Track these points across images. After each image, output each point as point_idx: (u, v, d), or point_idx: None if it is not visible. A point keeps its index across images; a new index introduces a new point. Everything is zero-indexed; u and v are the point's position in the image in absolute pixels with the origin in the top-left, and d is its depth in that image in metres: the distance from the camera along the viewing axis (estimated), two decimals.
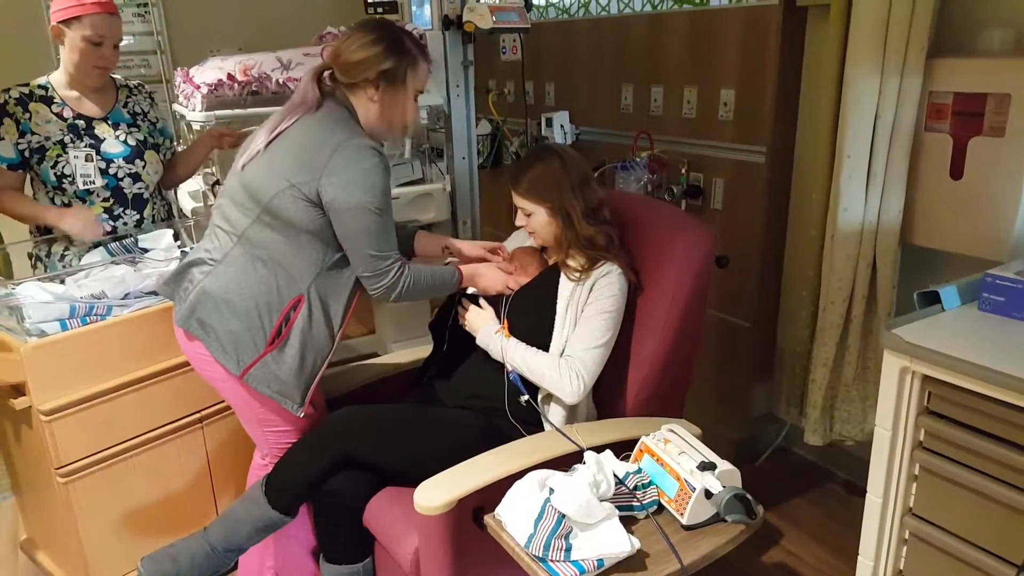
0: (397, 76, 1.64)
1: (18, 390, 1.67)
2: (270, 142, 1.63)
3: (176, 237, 2.10)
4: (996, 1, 1.82)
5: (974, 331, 1.43)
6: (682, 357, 1.76)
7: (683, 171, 2.62)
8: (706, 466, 1.38)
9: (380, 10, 3.00)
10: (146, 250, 1.99)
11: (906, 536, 1.52)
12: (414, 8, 2.76)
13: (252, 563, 1.86)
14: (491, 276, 1.81)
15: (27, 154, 1.97)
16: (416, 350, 2.15)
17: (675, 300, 1.70)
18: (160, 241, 2.00)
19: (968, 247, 1.87)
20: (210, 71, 2.32)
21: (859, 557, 1.58)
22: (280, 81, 2.33)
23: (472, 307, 1.80)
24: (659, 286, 1.73)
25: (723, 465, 1.40)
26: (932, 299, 1.54)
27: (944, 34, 1.88)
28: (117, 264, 1.91)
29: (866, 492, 1.55)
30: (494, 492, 1.42)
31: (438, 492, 1.43)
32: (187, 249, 1.94)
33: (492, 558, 1.41)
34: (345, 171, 1.54)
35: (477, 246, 1.94)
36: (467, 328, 1.79)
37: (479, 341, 1.76)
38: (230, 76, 2.29)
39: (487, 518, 1.39)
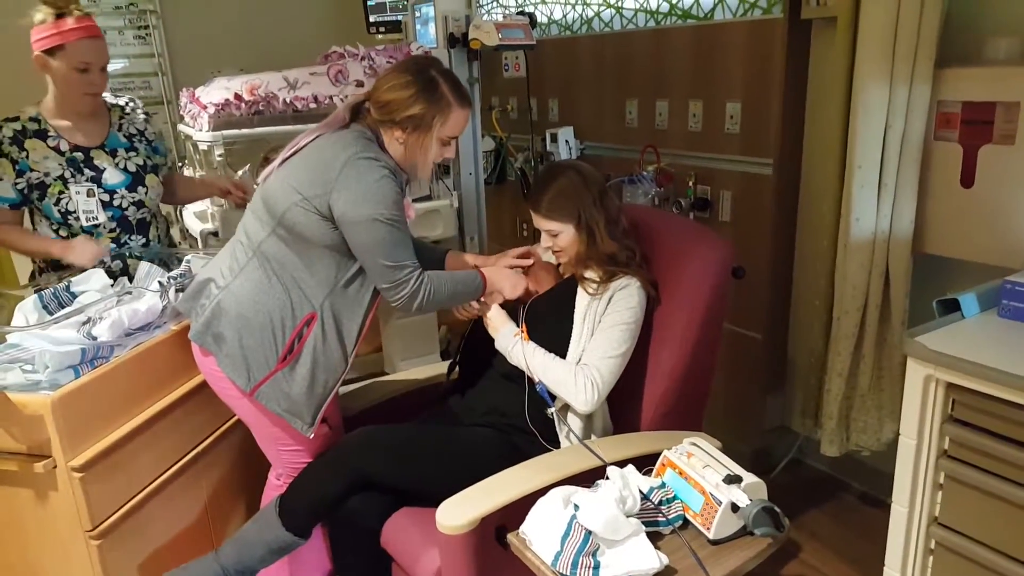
0: (423, 122, 1.61)
1: (27, 453, 1.53)
2: (288, 157, 1.64)
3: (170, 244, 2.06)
4: (1002, 10, 1.84)
5: (996, 337, 1.42)
6: (700, 370, 1.75)
7: (690, 184, 2.63)
8: (732, 479, 1.37)
9: (382, 30, 3.02)
10: (76, 294, 1.83)
11: (932, 546, 1.50)
12: (418, 27, 2.77)
13: None
14: (515, 281, 1.79)
15: (26, 191, 1.93)
16: (428, 367, 2.14)
17: (693, 313, 1.69)
18: (92, 281, 1.85)
19: (980, 255, 1.88)
20: (216, 91, 2.33)
21: (885, 568, 1.57)
22: (287, 100, 2.34)
23: (495, 307, 1.77)
24: (677, 299, 1.72)
25: (748, 478, 1.38)
26: (951, 307, 1.54)
27: (951, 43, 1.89)
28: (54, 316, 1.74)
29: (882, 502, 1.54)
30: (516, 510, 1.40)
31: (461, 511, 1.41)
32: (163, 280, 1.80)
33: None
34: (356, 185, 1.54)
35: (506, 258, 1.90)
36: (488, 327, 1.77)
37: (498, 344, 1.74)
38: (237, 96, 2.29)
39: (511, 536, 1.37)
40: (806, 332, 2.33)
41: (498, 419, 1.75)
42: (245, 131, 2.34)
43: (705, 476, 1.39)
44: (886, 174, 1.96)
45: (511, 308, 1.79)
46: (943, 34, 1.86)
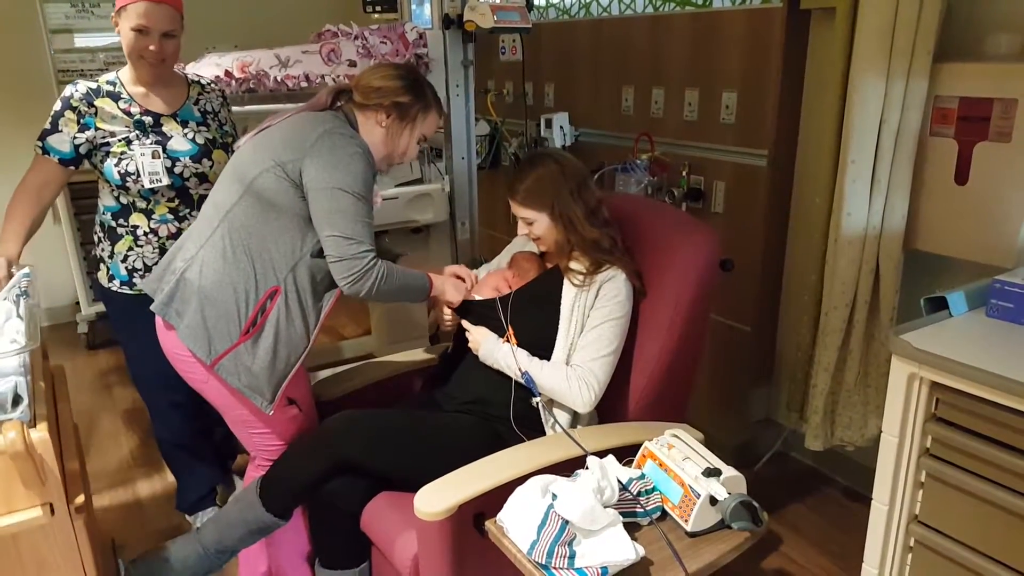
0: (408, 113, 1.71)
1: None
2: (264, 128, 1.67)
3: None
4: (1003, 5, 1.81)
5: (982, 337, 1.42)
6: (685, 362, 1.74)
7: (684, 174, 2.61)
8: (711, 472, 1.36)
9: (378, 9, 2.98)
10: None
11: (911, 544, 1.50)
12: (413, 7, 2.74)
13: (246, 568, 1.84)
14: (451, 285, 1.79)
15: (83, 150, 1.88)
16: (414, 352, 2.13)
17: (679, 304, 1.68)
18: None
19: (973, 253, 1.86)
20: (207, 67, 2.29)
21: (864, 565, 1.57)
22: (278, 78, 2.30)
23: (473, 327, 1.77)
24: (663, 290, 1.71)
25: (728, 471, 1.38)
26: (939, 305, 1.53)
27: (950, 38, 1.87)
28: None
29: (866, 498, 1.53)
30: (495, 497, 1.39)
31: (439, 497, 1.40)
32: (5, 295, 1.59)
33: (493, 564, 1.39)
34: (329, 154, 1.56)
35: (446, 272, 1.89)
36: (471, 345, 1.76)
37: (483, 356, 1.73)
38: (228, 73, 2.26)
39: (488, 524, 1.37)
40: (795, 326, 2.32)
41: (482, 408, 1.74)
42: (235, 108, 2.31)
43: (685, 468, 1.39)
44: (879, 169, 1.94)
45: (491, 307, 1.77)
46: (942, 28, 1.84)
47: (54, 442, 1.32)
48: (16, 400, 1.33)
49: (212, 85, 2.11)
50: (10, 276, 1.72)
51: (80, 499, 1.37)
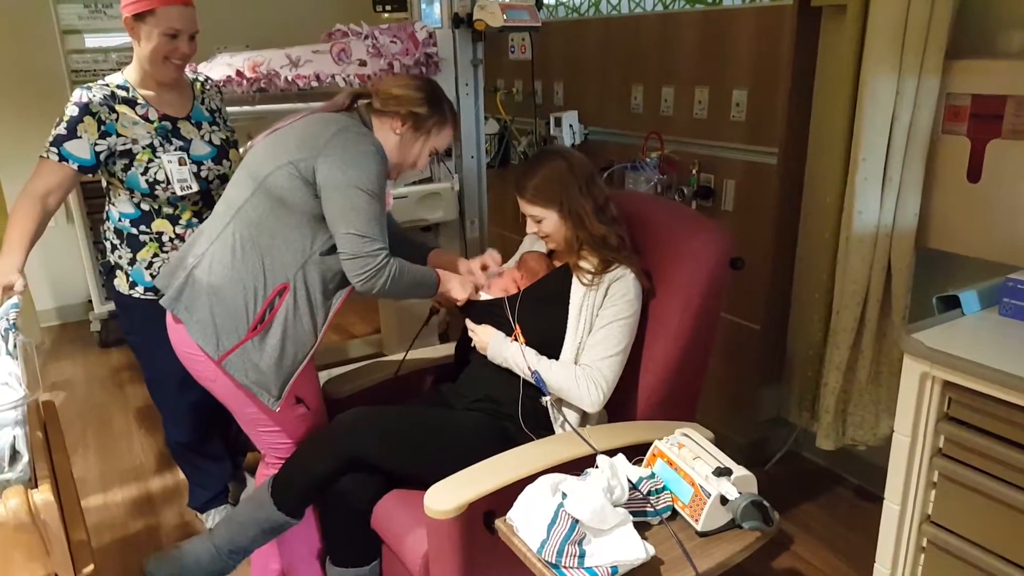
0: (424, 124, 1.72)
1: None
2: (279, 128, 1.68)
3: None
4: (1016, 2, 1.79)
5: (995, 336, 1.41)
6: (695, 361, 1.74)
7: (694, 172, 2.60)
8: (722, 472, 1.36)
9: (388, 8, 2.98)
10: None
11: (924, 544, 1.49)
12: (423, 6, 2.74)
13: (258, 566, 1.85)
14: (458, 282, 1.78)
15: (103, 157, 1.82)
16: (423, 350, 2.13)
17: (689, 303, 1.67)
18: None
19: (985, 251, 1.85)
20: (219, 67, 2.31)
21: (876, 565, 1.56)
22: (289, 78, 2.32)
23: (478, 327, 1.77)
24: (673, 288, 1.70)
25: (739, 471, 1.38)
26: (951, 303, 1.52)
27: (963, 35, 1.86)
28: None
29: (878, 497, 1.53)
30: (505, 496, 1.39)
31: (449, 496, 1.41)
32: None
33: (503, 563, 1.39)
34: (343, 152, 1.57)
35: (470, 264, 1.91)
36: (477, 345, 1.77)
37: (491, 355, 1.73)
38: (239, 73, 2.28)
39: (498, 522, 1.37)
40: (805, 324, 2.31)
41: (491, 407, 1.74)
42: (246, 108, 2.33)
43: (695, 467, 1.38)
44: (891, 167, 1.93)
45: (499, 305, 1.78)
46: (955, 25, 1.83)
47: (57, 503, 1.18)
48: (14, 456, 1.18)
49: (210, 82, 2.10)
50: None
51: (89, 568, 1.24)
